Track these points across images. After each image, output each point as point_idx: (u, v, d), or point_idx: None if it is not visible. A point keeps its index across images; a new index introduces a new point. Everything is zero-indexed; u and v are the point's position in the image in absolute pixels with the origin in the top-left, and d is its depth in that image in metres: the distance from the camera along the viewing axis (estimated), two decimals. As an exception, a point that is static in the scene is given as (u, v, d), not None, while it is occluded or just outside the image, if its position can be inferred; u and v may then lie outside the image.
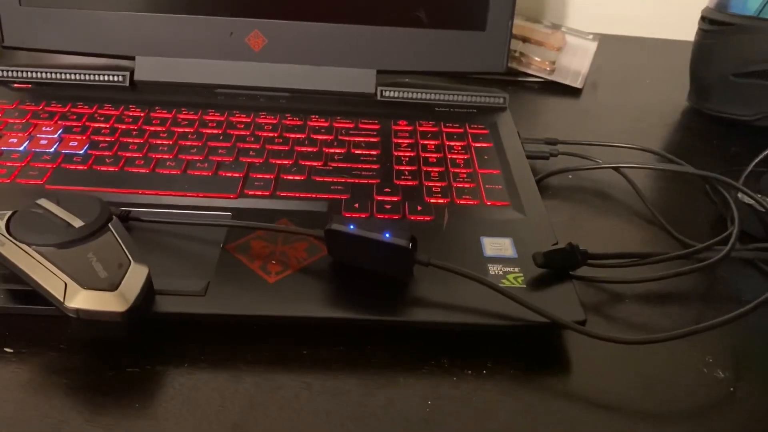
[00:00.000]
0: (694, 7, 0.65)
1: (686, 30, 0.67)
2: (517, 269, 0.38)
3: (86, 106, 0.53)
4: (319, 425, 0.31)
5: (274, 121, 0.52)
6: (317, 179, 0.46)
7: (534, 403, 0.33)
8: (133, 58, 0.56)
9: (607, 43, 0.77)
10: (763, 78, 0.58)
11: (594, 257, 0.40)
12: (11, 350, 0.34)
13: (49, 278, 0.32)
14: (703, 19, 0.63)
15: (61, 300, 0.31)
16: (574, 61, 0.71)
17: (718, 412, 0.34)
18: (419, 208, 0.43)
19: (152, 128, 0.50)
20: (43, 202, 0.36)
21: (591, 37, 0.77)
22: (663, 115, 0.65)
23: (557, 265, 0.38)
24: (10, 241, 0.33)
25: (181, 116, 0.52)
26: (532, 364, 0.35)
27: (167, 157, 0.47)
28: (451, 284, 0.37)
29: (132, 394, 0.32)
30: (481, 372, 0.35)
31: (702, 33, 0.63)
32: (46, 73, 0.56)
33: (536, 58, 0.69)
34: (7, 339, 0.34)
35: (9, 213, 0.35)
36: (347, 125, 0.53)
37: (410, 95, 0.57)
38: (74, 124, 0.50)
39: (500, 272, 0.38)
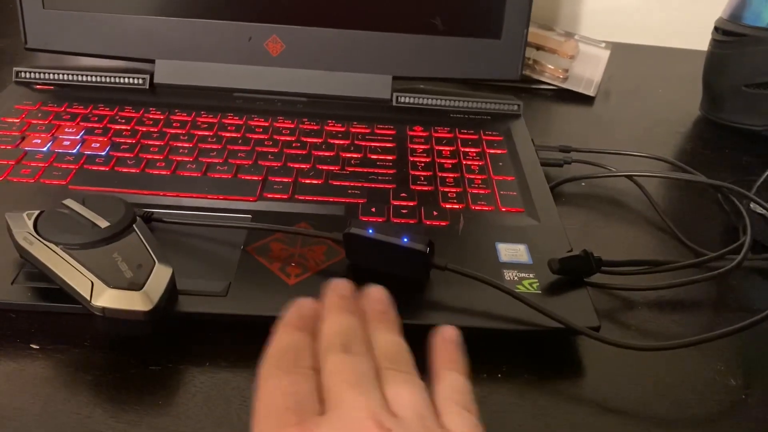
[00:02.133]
0: (707, 16, 0.65)
1: (699, 39, 0.67)
2: (532, 275, 0.39)
3: (107, 108, 0.53)
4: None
5: (292, 126, 0.53)
6: (334, 183, 0.47)
7: (547, 407, 0.34)
8: (153, 62, 0.57)
9: (619, 51, 0.77)
10: (775, 89, 0.59)
11: (608, 264, 0.41)
12: (37, 347, 0.35)
13: (76, 277, 0.33)
14: (716, 29, 0.63)
15: (88, 298, 0.32)
16: (587, 69, 0.72)
17: (730, 420, 0.34)
18: (435, 213, 0.44)
19: (172, 131, 0.51)
20: (70, 202, 0.37)
21: (603, 45, 0.78)
22: (675, 124, 0.66)
23: (572, 272, 0.39)
24: (39, 240, 0.34)
25: (201, 119, 0.53)
26: (546, 369, 0.36)
27: (188, 159, 0.48)
28: (466, 289, 0.37)
29: (155, 392, 0.33)
30: (496, 376, 0.35)
31: (715, 43, 0.63)
32: (67, 75, 0.57)
33: (549, 66, 0.70)
34: (33, 335, 0.35)
35: (36, 213, 0.36)
36: (363, 130, 0.53)
37: (425, 101, 0.58)
38: (96, 125, 0.51)
39: (515, 278, 0.39)
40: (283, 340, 0.28)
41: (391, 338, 0.29)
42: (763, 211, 0.45)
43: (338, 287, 0.31)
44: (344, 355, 0.27)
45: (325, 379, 0.26)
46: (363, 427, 0.24)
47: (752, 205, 0.46)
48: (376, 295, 0.32)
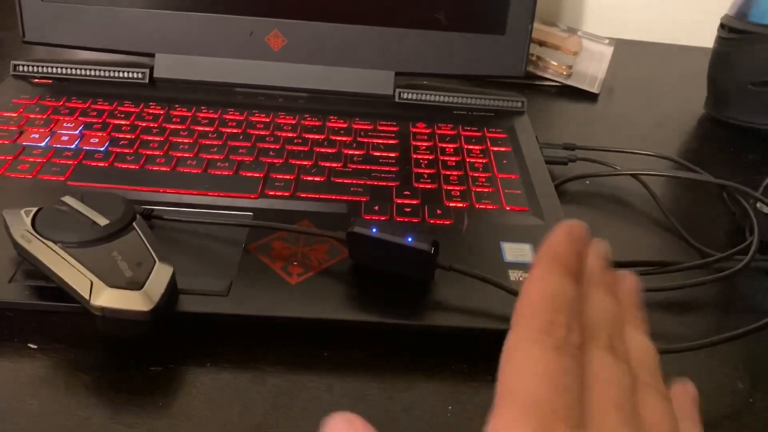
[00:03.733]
0: (712, 13, 0.64)
1: (704, 36, 0.67)
2: (537, 275, 0.38)
3: (106, 103, 0.53)
4: (340, 428, 0.31)
5: (294, 122, 0.52)
6: (336, 181, 0.46)
7: (553, 410, 0.33)
8: (153, 56, 0.56)
9: (623, 48, 0.77)
10: (782, 87, 0.58)
11: (613, 265, 0.40)
12: (35, 346, 0.34)
13: (75, 276, 0.32)
14: (722, 26, 0.62)
15: (87, 298, 0.32)
16: (591, 66, 0.71)
17: (737, 423, 0.34)
18: (439, 211, 0.44)
19: (172, 126, 0.50)
20: (68, 199, 0.36)
21: (607, 41, 0.77)
22: (680, 122, 0.65)
23: (578, 273, 0.38)
24: (37, 238, 0.34)
25: (201, 115, 0.52)
26: (552, 371, 0.35)
27: (188, 155, 0.47)
28: (471, 289, 0.37)
29: (155, 393, 0.32)
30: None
31: (721, 41, 0.63)
32: (66, 68, 0.56)
33: (553, 62, 0.69)
34: (31, 335, 0.35)
35: (35, 210, 0.35)
36: (366, 127, 0.53)
37: (428, 98, 0.57)
38: (95, 120, 0.50)
39: (521, 278, 0.38)
40: (551, 285, 0.22)
41: (646, 342, 0.24)
42: (771, 211, 0.45)
43: (602, 252, 0.26)
44: (610, 356, 0.21)
45: (590, 381, 0.21)
46: None
47: (759, 204, 0.46)
48: (631, 284, 0.26)
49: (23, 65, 0.56)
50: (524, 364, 0.19)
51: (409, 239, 0.36)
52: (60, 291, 0.33)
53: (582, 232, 0.24)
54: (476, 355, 0.36)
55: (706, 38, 0.65)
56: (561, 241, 0.23)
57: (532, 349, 0.20)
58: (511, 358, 0.20)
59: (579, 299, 0.22)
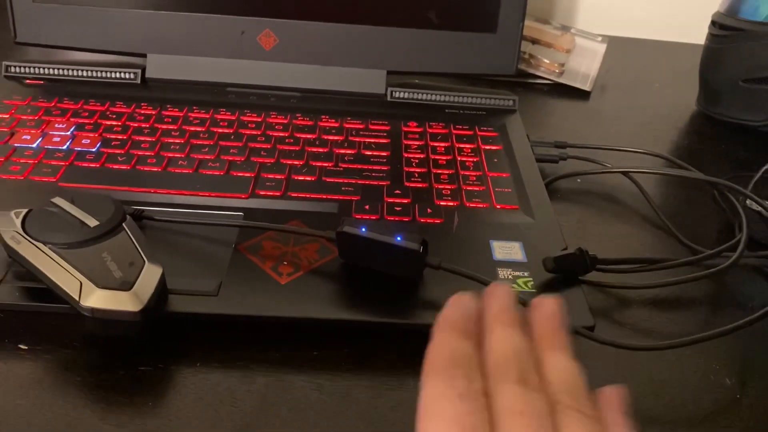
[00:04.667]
0: (704, 10, 0.65)
1: (696, 33, 0.67)
2: (526, 273, 0.39)
3: (98, 104, 0.53)
4: (329, 426, 0.32)
5: (285, 121, 0.53)
6: (328, 180, 0.46)
7: (542, 408, 0.34)
8: (144, 56, 0.57)
9: (616, 45, 0.77)
10: (772, 84, 0.58)
11: (603, 263, 0.40)
12: (26, 347, 0.34)
13: (65, 277, 0.32)
14: (713, 23, 0.63)
15: (77, 299, 0.32)
16: (584, 63, 0.71)
17: (725, 419, 0.34)
18: (429, 210, 0.44)
19: (164, 126, 0.50)
20: (58, 200, 0.36)
21: (600, 39, 0.77)
22: (672, 119, 0.65)
23: (567, 271, 0.38)
24: (27, 239, 0.34)
25: (193, 115, 0.52)
26: (541, 369, 0.36)
27: (179, 156, 0.47)
28: (460, 288, 0.36)
29: (144, 393, 0.32)
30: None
31: (712, 38, 0.63)
32: (58, 69, 0.56)
33: (545, 60, 0.69)
34: (21, 335, 0.35)
35: (25, 211, 0.36)
36: (357, 126, 0.53)
37: (420, 96, 0.58)
38: (86, 121, 0.50)
39: (510, 276, 0.38)
40: (448, 347, 0.25)
41: (567, 364, 0.26)
42: (760, 209, 0.45)
43: (501, 295, 0.28)
44: (520, 387, 0.23)
45: (499, 415, 0.23)
46: None
47: (748, 201, 0.46)
48: (548, 309, 0.28)
49: (15, 66, 0.56)
50: (434, 415, 0.23)
51: (398, 238, 0.36)
52: (50, 292, 0.33)
53: (470, 300, 0.28)
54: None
55: (699, 35, 0.65)
56: (453, 310, 0.27)
57: (440, 402, 0.23)
58: (424, 413, 0.23)
59: (477, 354, 0.25)
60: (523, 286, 0.38)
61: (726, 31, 0.61)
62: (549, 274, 0.38)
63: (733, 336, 0.37)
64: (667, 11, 0.84)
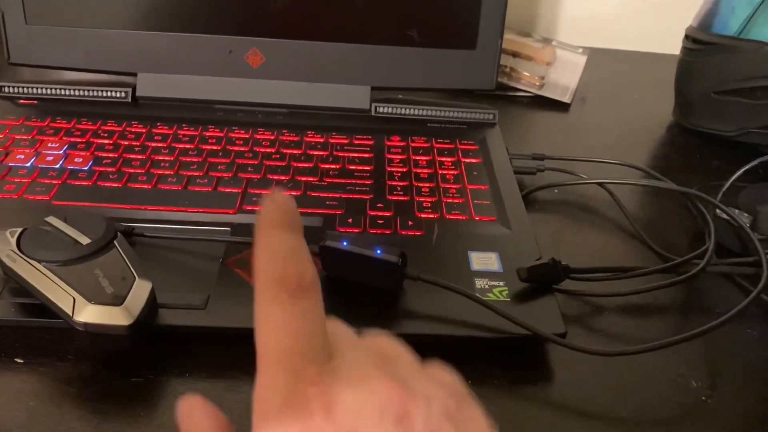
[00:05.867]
0: (683, 21, 0.66)
1: (675, 44, 0.68)
2: (502, 283, 0.40)
3: (90, 122, 0.54)
4: (313, 432, 0.33)
5: (272, 137, 0.54)
6: (313, 194, 0.48)
7: (517, 412, 0.35)
8: (135, 75, 0.58)
9: (596, 56, 0.79)
10: (742, 96, 0.60)
11: (576, 271, 0.42)
12: (21, 361, 0.36)
13: (59, 293, 0.34)
14: (686, 37, 0.65)
15: (70, 314, 0.33)
16: (564, 76, 0.73)
17: (691, 420, 0.36)
18: (410, 223, 0.45)
19: (154, 144, 0.52)
20: (52, 219, 0.38)
21: (581, 51, 0.79)
22: (649, 129, 0.67)
23: (540, 280, 0.40)
24: (21, 257, 0.35)
25: (182, 132, 0.54)
26: (516, 375, 0.37)
27: (169, 173, 0.49)
28: (439, 297, 0.39)
29: (136, 403, 0.34)
30: (467, 382, 0.36)
31: (686, 51, 0.65)
32: (50, 89, 0.58)
33: (526, 73, 0.71)
34: (17, 350, 0.36)
35: (19, 230, 0.37)
36: (342, 141, 0.55)
37: (403, 111, 0.59)
38: (79, 140, 0.52)
39: (486, 286, 0.40)
40: (275, 240, 0.21)
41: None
42: (728, 217, 0.47)
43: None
44: None
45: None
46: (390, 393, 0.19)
47: (718, 210, 0.48)
48: None
49: (9, 86, 0.58)
50: (266, 323, 0.21)
51: (378, 251, 0.38)
52: (45, 307, 0.35)
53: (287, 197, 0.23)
54: (443, 360, 0.37)
55: (677, 46, 0.67)
56: (272, 207, 0.23)
57: (270, 306, 0.21)
58: (257, 322, 0.21)
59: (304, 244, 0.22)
60: (499, 295, 0.39)
61: (698, 45, 0.63)
62: (523, 283, 0.40)
63: (699, 340, 0.38)
64: (647, 22, 0.86)
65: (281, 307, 0.20)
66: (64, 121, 0.54)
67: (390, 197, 0.48)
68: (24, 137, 0.52)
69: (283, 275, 0.21)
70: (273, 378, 0.20)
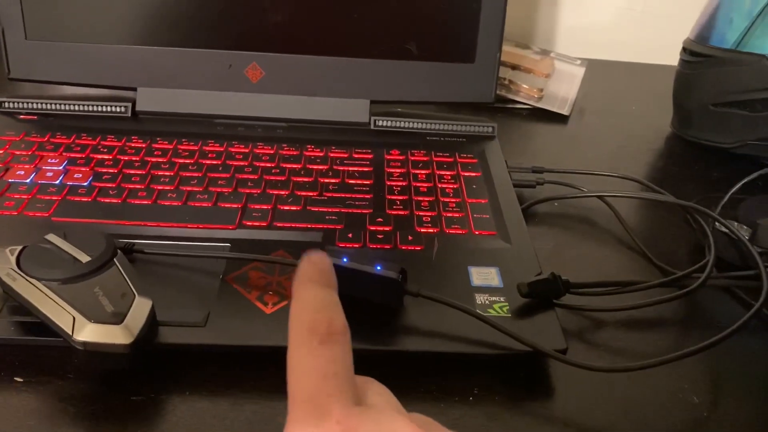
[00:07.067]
0: (681, 32, 0.67)
1: (674, 55, 0.69)
2: (502, 298, 0.40)
3: (90, 137, 0.54)
4: (313, 451, 0.33)
5: (272, 152, 0.54)
6: (312, 209, 0.48)
7: (518, 428, 0.35)
8: (134, 89, 0.58)
9: (595, 68, 0.79)
10: (740, 107, 0.60)
11: (577, 286, 0.42)
12: (21, 379, 0.36)
13: (58, 312, 0.34)
14: (684, 50, 0.65)
15: (70, 333, 0.33)
16: (562, 88, 0.74)
17: (692, 436, 0.36)
18: (410, 237, 0.45)
19: (154, 159, 0.52)
20: (51, 237, 0.38)
21: (579, 62, 0.80)
22: (648, 141, 0.67)
23: (540, 295, 0.40)
24: (21, 276, 0.35)
25: (182, 147, 0.54)
26: (517, 391, 0.37)
27: (168, 188, 0.49)
28: (439, 313, 0.38)
29: (136, 422, 0.34)
30: (468, 399, 0.37)
31: (683, 63, 0.65)
32: (50, 104, 0.58)
33: (525, 86, 0.71)
34: (17, 368, 0.36)
35: (19, 248, 0.37)
36: (342, 155, 0.55)
37: (403, 124, 0.60)
38: (79, 155, 0.52)
39: (487, 301, 0.40)
40: (309, 295, 0.24)
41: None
42: (727, 230, 0.47)
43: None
44: None
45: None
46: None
47: (717, 224, 0.48)
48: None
49: (9, 102, 0.58)
50: (297, 367, 0.22)
51: (378, 268, 0.38)
52: (45, 326, 0.35)
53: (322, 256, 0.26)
54: (444, 376, 0.37)
55: (676, 57, 0.67)
56: (308, 266, 0.25)
57: (301, 351, 0.22)
58: (289, 366, 0.22)
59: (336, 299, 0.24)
60: (499, 311, 0.39)
61: (696, 58, 0.63)
62: (524, 298, 0.40)
63: (700, 355, 0.38)
64: (645, 34, 0.86)
65: (311, 353, 0.22)
66: (64, 137, 0.54)
67: (390, 211, 0.48)
68: (24, 153, 0.52)
69: (314, 324, 0.22)
70: (302, 416, 0.21)
